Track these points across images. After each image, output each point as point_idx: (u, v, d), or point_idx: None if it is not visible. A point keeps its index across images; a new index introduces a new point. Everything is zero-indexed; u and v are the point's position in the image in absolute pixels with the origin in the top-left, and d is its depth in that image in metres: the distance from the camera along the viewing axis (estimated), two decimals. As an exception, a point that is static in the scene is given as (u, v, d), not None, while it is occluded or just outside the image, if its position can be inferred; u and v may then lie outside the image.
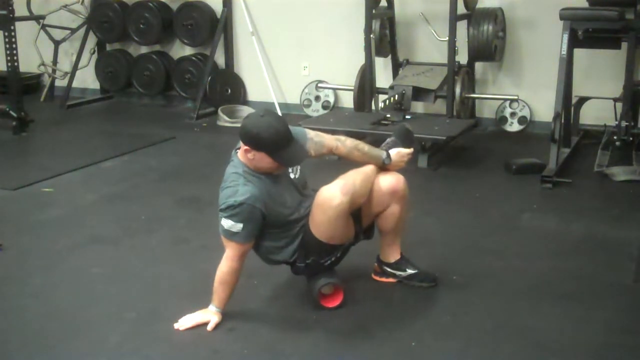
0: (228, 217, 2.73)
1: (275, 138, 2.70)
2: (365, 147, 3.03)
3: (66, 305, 3.07)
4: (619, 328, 2.85)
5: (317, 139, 2.97)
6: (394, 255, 3.19)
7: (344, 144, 3.00)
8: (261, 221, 2.78)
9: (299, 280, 3.08)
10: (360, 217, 3.01)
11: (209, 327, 2.81)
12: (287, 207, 2.87)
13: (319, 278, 2.96)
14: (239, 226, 2.72)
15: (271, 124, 2.71)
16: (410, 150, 3.16)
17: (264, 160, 2.74)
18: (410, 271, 3.18)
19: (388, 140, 3.17)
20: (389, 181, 3.04)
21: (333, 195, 2.79)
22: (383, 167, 3.05)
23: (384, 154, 3.05)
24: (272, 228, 2.86)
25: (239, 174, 2.78)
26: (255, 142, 2.71)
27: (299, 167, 2.96)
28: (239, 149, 2.84)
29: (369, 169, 3.00)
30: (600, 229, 3.90)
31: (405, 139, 3.17)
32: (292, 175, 2.93)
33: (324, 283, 2.95)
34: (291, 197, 2.90)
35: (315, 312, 2.95)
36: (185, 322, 2.83)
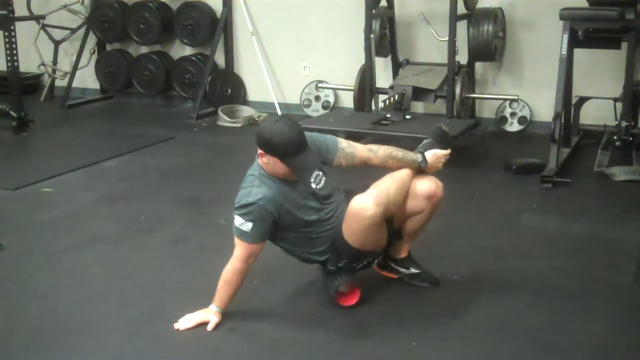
0: (240, 215, 2.76)
1: (287, 144, 2.71)
2: (399, 153, 3.01)
3: (66, 305, 3.07)
4: (619, 328, 2.85)
5: (348, 150, 2.96)
6: (402, 253, 3.19)
7: (377, 154, 2.99)
8: (271, 225, 2.79)
9: (299, 280, 3.09)
10: (393, 219, 3.00)
11: (209, 327, 2.81)
12: (303, 211, 2.85)
13: (336, 276, 2.96)
14: (249, 225, 2.74)
15: (283, 130, 2.72)
16: (448, 151, 3.13)
17: (277, 165, 2.75)
18: (413, 270, 3.18)
19: (424, 141, 3.15)
20: (427, 186, 3.02)
21: (366, 206, 2.79)
22: (420, 170, 3.04)
23: (419, 158, 3.04)
24: (289, 232, 2.87)
25: (255, 176, 2.81)
26: (267, 146, 2.74)
27: (323, 179, 2.92)
28: None
29: (404, 174, 2.98)
30: (600, 229, 3.90)
31: (441, 140, 3.15)
32: (313, 186, 2.89)
33: (342, 281, 2.95)
34: (309, 204, 2.88)
35: (315, 312, 2.96)
36: (185, 322, 2.84)
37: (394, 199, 2.88)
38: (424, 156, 3.05)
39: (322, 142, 2.93)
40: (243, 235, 2.77)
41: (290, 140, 2.71)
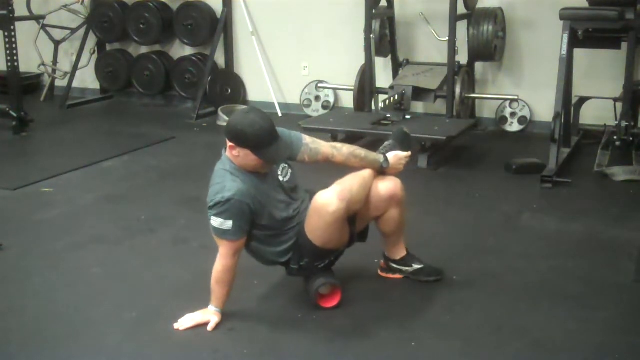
0: (217, 214, 2.74)
1: (260, 135, 2.69)
2: (362, 152, 3.02)
3: (66, 305, 3.07)
4: (619, 328, 2.85)
5: (312, 146, 2.95)
6: (399, 253, 3.20)
7: (340, 151, 2.99)
8: (250, 216, 2.78)
9: (299, 280, 3.08)
10: (355, 220, 3.00)
11: (209, 327, 2.81)
12: (274, 205, 2.85)
13: (316, 278, 2.96)
14: (229, 223, 2.72)
15: (255, 121, 2.70)
16: (408, 153, 3.17)
17: (248, 157, 2.74)
18: (416, 266, 3.20)
19: (386, 143, 3.18)
20: (387, 186, 3.04)
21: (330, 201, 2.78)
22: (381, 170, 3.05)
23: (381, 158, 3.06)
24: (261, 229, 2.86)
25: (227, 170, 2.79)
26: (239, 138, 2.71)
27: (289, 171, 2.94)
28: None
29: (367, 173, 2.99)
30: (600, 229, 3.90)
31: (403, 142, 3.18)
32: (280, 178, 2.90)
33: (321, 283, 2.95)
34: (279, 197, 2.88)
35: (315, 312, 2.96)
36: (185, 322, 2.84)
37: (357, 195, 2.88)
38: (385, 157, 3.07)
39: (287, 136, 2.91)
40: (226, 234, 2.75)
41: (263, 131, 2.70)
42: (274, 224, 2.87)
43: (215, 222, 2.75)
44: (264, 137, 2.70)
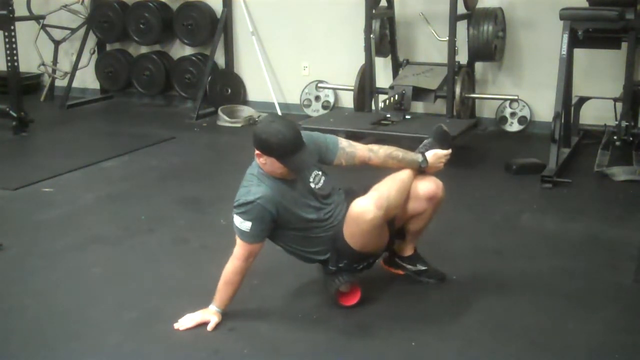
0: (239, 214, 2.77)
1: (283, 144, 2.71)
2: (399, 153, 3.00)
3: (66, 305, 3.07)
4: (618, 328, 2.85)
5: (349, 150, 2.95)
6: (408, 250, 3.20)
7: (377, 154, 2.98)
8: (271, 224, 2.79)
9: (299, 280, 3.09)
10: (394, 220, 3.00)
11: (209, 327, 2.81)
12: (303, 210, 2.85)
13: (336, 277, 2.96)
14: (248, 224, 2.74)
15: (279, 130, 2.72)
16: (448, 151, 3.13)
17: (274, 165, 2.75)
18: (420, 267, 3.20)
19: (425, 141, 3.15)
20: (428, 187, 3.02)
21: (367, 209, 2.78)
22: (420, 170, 3.04)
23: (420, 158, 3.04)
24: (290, 230, 2.87)
25: (254, 175, 2.82)
26: (264, 147, 2.74)
27: (322, 178, 2.92)
28: None
29: (406, 175, 2.98)
30: (600, 229, 3.90)
31: (442, 140, 3.15)
32: (312, 185, 2.88)
33: (343, 281, 2.95)
34: (308, 203, 2.87)
35: (315, 312, 2.96)
36: (185, 322, 2.84)
37: (394, 201, 2.88)
38: (424, 156, 3.05)
39: (322, 141, 2.93)
40: (242, 235, 2.78)
41: (286, 140, 2.71)
42: (303, 225, 2.87)
43: (237, 220, 2.78)
44: (288, 146, 2.71)
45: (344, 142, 2.97)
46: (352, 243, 2.87)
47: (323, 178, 2.93)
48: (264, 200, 2.74)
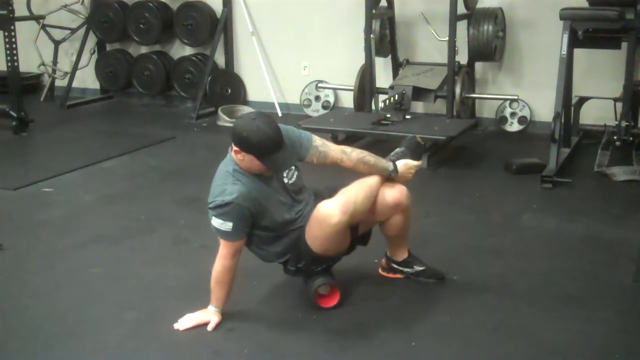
0: (217, 216, 2.74)
1: (265, 142, 2.68)
2: (371, 159, 3.00)
3: (66, 305, 3.07)
4: (619, 328, 2.85)
5: (322, 149, 2.94)
6: (401, 254, 3.20)
7: (350, 157, 2.96)
8: (250, 219, 2.78)
9: (299, 281, 3.08)
10: (357, 225, 2.98)
11: (209, 327, 2.81)
12: (276, 207, 2.84)
13: (316, 278, 2.96)
14: (229, 225, 2.73)
15: (261, 128, 2.68)
16: (419, 162, 3.15)
17: (253, 162, 2.73)
18: (418, 268, 3.20)
19: (397, 150, 3.15)
20: (393, 194, 3.01)
21: (332, 213, 2.77)
22: (389, 178, 3.04)
23: (390, 166, 3.03)
24: (262, 229, 2.85)
25: (229, 172, 2.78)
26: (244, 144, 2.70)
27: (295, 173, 2.92)
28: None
29: (374, 181, 2.97)
30: (600, 229, 3.90)
31: (414, 151, 3.15)
32: (286, 180, 2.88)
33: (320, 283, 2.95)
34: (282, 200, 2.87)
35: (315, 312, 2.96)
36: (185, 322, 2.83)
37: (361, 207, 2.86)
38: (395, 165, 3.05)
39: (297, 137, 2.90)
40: (225, 235, 2.76)
41: (268, 139, 2.68)
42: (274, 226, 2.86)
43: (216, 222, 2.76)
44: (269, 145, 2.68)
45: (318, 141, 2.95)
46: (313, 246, 2.84)
47: (296, 173, 2.92)
48: (241, 199, 2.72)
